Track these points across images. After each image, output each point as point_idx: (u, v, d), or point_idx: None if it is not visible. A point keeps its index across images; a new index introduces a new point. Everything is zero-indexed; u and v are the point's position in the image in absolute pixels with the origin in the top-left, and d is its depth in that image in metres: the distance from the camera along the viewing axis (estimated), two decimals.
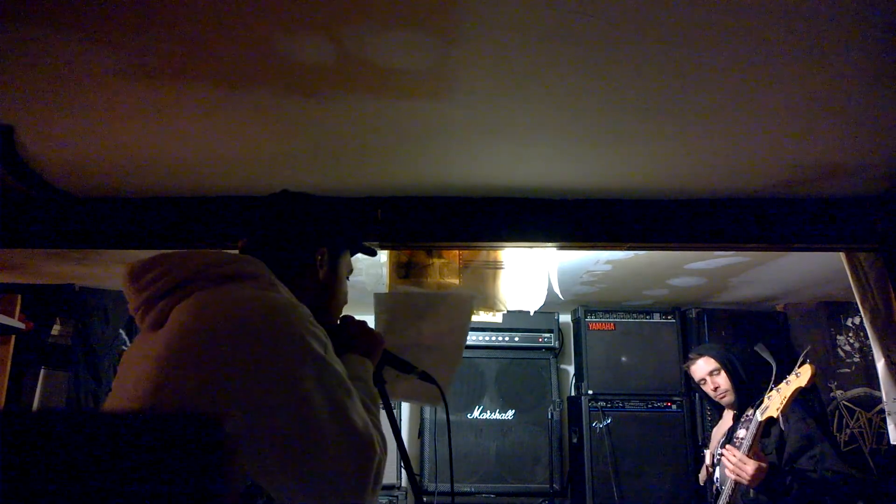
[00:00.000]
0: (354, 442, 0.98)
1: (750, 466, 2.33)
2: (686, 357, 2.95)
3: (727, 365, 2.75)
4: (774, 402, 2.36)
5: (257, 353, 0.96)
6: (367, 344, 1.26)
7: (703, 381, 2.81)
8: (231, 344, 0.96)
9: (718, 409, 2.91)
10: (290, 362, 0.97)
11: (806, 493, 2.35)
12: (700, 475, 2.94)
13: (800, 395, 2.38)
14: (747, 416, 2.60)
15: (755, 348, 2.59)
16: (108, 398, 1.07)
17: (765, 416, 2.37)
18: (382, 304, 1.63)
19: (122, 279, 1.12)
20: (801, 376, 2.32)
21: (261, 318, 0.99)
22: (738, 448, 2.46)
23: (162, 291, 1.05)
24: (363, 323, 1.33)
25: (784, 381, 2.38)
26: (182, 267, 1.06)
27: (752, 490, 2.44)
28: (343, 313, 1.35)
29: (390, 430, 1.27)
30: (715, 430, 2.93)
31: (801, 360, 2.39)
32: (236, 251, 1.24)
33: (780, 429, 2.50)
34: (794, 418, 2.51)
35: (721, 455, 2.65)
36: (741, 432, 2.56)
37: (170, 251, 1.11)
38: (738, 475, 2.36)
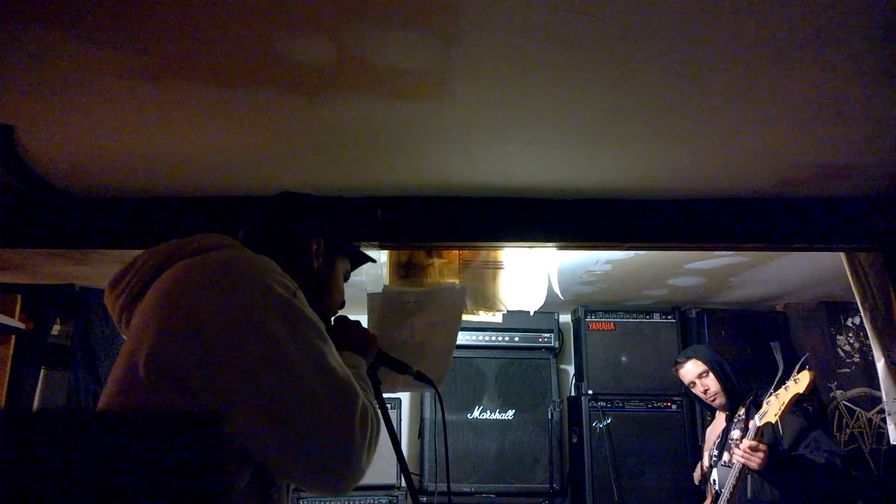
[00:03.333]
0: (333, 383, 0.95)
1: (761, 451, 2.33)
2: (674, 361, 2.94)
3: (715, 367, 2.75)
4: (773, 408, 2.36)
5: (223, 302, 0.95)
6: (361, 343, 1.26)
7: (692, 384, 2.81)
8: (195, 298, 0.96)
9: (711, 410, 2.91)
10: (254, 307, 0.95)
11: (807, 476, 2.35)
12: (695, 474, 2.94)
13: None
14: (739, 416, 2.60)
15: (771, 345, 2.59)
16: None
17: (763, 422, 2.37)
18: (375, 303, 1.64)
19: (105, 294, 1.14)
20: (800, 382, 2.32)
21: (226, 271, 0.99)
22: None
23: (139, 286, 1.07)
24: (357, 323, 1.33)
25: (783, 386, 2.38)
26: (153, 259, 1.08)
27: (750, 490, 2.44)
28: (341, 314, 1.35)
29: (386, 432, 1.27)
30: (709, 430, 2.93)
31: (799, 366, 2.39)
32: None
33: (772, 429, 2.50)
34: (787, 416, 2.51)
35: (717, 455, 2.65)
36: (735, 433, 2.56)
37: (141, 252, 1.12)
38: (748, 461, 2.35)
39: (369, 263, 1.44)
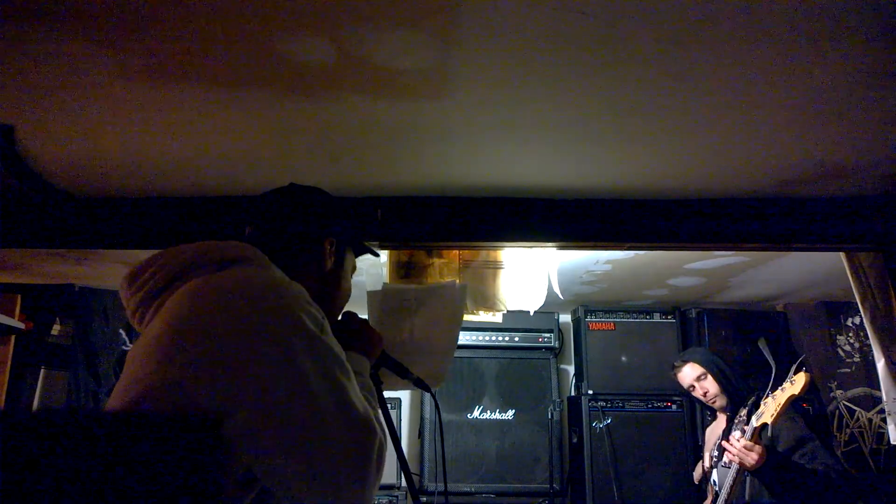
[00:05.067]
0: (354, 420, 0.95)
1: (755, 452, 2.32)
2: (672, 365, 2.93)
3: (713, 369, 2.74)
4: (769, 409, 2.36)
5: (249, 331, 0.93)
6: (367, 343, 1.26)
7: (691, 388, 2.80)
8: (222, 324, 0.94)
9: (712, 411, 2.91)
10: (283, 339, 0.94)
11: (801, 482, 2.35)
12: (695, 473, 2.94)
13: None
14: (740, 416, 2.60)
15: (758, 343, 2.58)
16: (110, 398, 1.05)
17: (759, 423, 2.37)
18: (375, 301, 1.64)
19: (120, 286, 1.11)
20: (796, 384, 2.32)
21: (252, 297, 0.97)
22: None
23: (158, 287, 1.05)
24: (365, 321, 1.33)
25: (779, 388, 2.38)
26: (175, 260, 1.06)
27: (748, 492, 2.44)
28: (349, 310, 1.35)
29: (387, 431, 1.27)
30: (709, 430, 2.93)
31: (795, 367, 2.39)
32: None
33: (769, 432, 2.50)
34: (784, 419, 2.51)
35: (717, 456, 2.65)
36: (736, 434, 2.56)
37: (164, 250, 1.09)
38: (741, 459, 2.35)
39: (369, 264, 1.44)
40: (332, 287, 1.27)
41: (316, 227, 1.25)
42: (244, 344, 0.92)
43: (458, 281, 2.26)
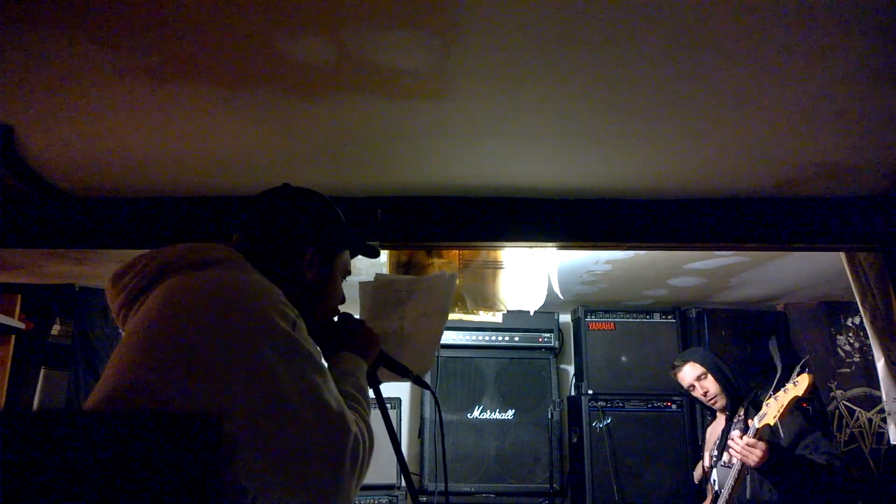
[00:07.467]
0: (326, 418, 0.95)
1: (759, 449, 2.33)
2: (671, 365, 2.93)
3: (713, 368, 2.74)
4: (772, 410, 2.36)
5: (220, 330, 0.94)
6: (363, 343, 1.25)
7: (691, 388, 2.80)
8: (193, 327, 0.95)
9: (711, 411, 2.91)
10: (253, 342, 0.94)
11: (806, 476, 2.35)
12: (695, 473, 2.94)
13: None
14: (739, 416, 2.60)
15: (769, 344, 2.58)
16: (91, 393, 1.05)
17: (762, 424, 2.37)
18: (367, 291, 1.64)
19: (106, 288, 1.13)
20: (799, 385, 2.32)
21: (223, 299, 0.98)
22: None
23: (139, 287, 1.06)
24: (361, 322, 1.32)
25: (782, 388, 2.38)
26: (156, 261, 1.07)
27: (749, 491, 2.44)
28: (346, 311, 1.34)
29: (386, 431, 1.27)
30: (709, 430, 2.93)
31: (798, 369, 2.39)
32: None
33: (770, 431, 2.50)
34: (786, 416, 2.51)
35: (717, 456, 2.65)
36: (735, 433, 2.57)
37: (147, 251, 1.11)
38: (745, 457, 2.35)
39: (369, 264, 1.43)
40: (316, 294, 1.23)
41: (297, 237, 1.22)
42: (214, 348, 0.92)
43: (461, 285, 2.26)
